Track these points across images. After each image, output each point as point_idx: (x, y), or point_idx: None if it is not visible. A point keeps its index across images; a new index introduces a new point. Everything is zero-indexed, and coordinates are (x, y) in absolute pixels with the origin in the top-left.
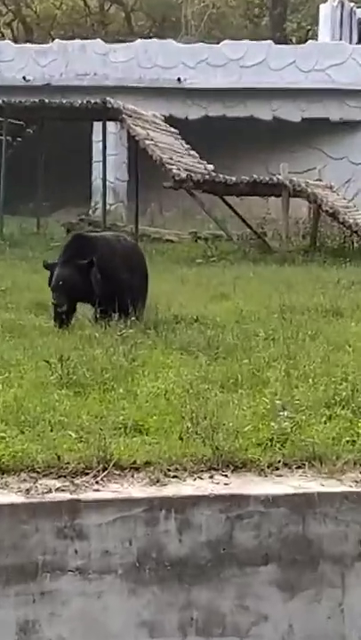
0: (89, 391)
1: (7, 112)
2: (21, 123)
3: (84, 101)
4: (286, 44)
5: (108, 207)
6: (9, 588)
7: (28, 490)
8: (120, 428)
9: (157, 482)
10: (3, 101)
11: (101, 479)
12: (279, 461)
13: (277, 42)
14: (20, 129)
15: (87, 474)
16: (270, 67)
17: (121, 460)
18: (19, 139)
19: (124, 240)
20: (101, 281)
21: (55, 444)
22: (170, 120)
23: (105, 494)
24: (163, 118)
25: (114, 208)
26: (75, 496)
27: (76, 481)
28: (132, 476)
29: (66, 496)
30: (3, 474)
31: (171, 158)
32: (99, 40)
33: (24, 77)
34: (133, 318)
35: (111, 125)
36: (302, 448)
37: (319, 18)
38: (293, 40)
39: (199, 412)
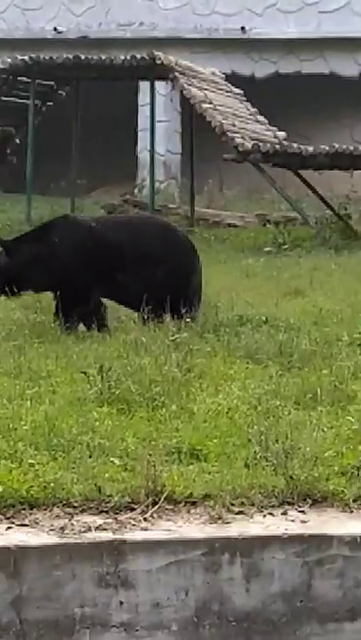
0: (135, 409)
1: (35, 71)
2: (52, 83)
3: (128, 57)
4: None
5: (157, 185)
6: None
7: (62, 528)
8: (173, 454)
9: (219, 519)
10: (30, 58)
11: (151, 515)
12: None
13: None
14: (51, 91)
15: (133, 509)
16: (355, 11)
17: (174, 492)
18: (49, 103)
19: (140, 223)
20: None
21: (95, 472)
22: (232, 78)
23: (155, 534)
24: (223, 77)
25: (164, 186)
26: (119, 536)
27: (121, 518)
28: (189, 512)
29: (108, 536)
30: (32, 509)
31: (233, 125)
32: None
33: (55, 29)
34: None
35: (161, 86)
36: None
37: None
38: None
39: (269, 434)
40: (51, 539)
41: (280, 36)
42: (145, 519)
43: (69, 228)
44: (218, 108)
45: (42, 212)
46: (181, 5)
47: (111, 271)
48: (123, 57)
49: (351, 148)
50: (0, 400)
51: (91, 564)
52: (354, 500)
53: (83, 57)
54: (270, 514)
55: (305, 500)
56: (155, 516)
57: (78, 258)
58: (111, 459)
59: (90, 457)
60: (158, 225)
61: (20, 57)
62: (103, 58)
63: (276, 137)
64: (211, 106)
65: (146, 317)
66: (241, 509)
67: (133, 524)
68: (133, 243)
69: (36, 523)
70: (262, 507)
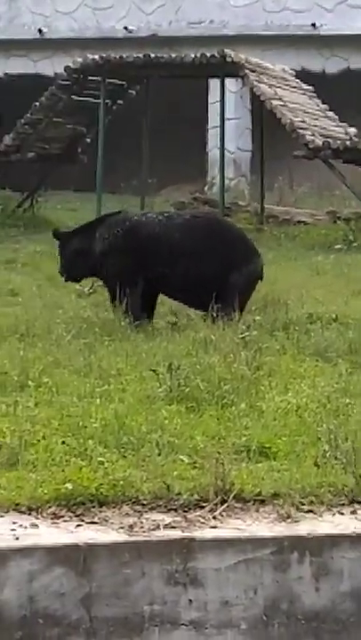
0: (204, 407)
1: (106, 70)
2: (122, 82)
3: (198, 55)
4: None
5: (227, 183)
6: None
7: (131, 526)
8: (242, 452)
9: (288, 517)
10: (100, 57)
11: (220, 514)
12: None
13: None
14: (121, 90)
15: (202, 507)
16: None
17: (243, 490)
18: (119, 102)
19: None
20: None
21: (164, 470)
22: (302, 75)
23: (224, 532)
24: (294, 73)
25: (234, 184)
26: (188, 534)
27: (190, 516)
28: (258, 511)
29: (177, 534)
30: (101, 506)
31: (304, 121)
32: None
33: (125, 28)
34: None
35: (231, 83)
36: None
37: None
38: None
39: (339, 433)
40: (120, 536)
41: (351, 31)
42: (214, 517)
43: (113, 221)
44: (288, 104)
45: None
46: (252, 2)
47: (152, 265)
48: (193, 55)
49: None
50: (70, 398)
51: (160, 561)
52: None
53: (153, 55)
54: (340, 512)
55: None
56: (224, 514)
57: (114, 250)
58: (180, 457)
59: (159, 455)
60: (209, 221)
61: (90, 56)
62: (173, 56)
63: (346, 133)
64: (281, 103)
65: (215, 315)
66: (310, 508)
67: (202, 523)
68: (177, 238)
69: (106, 520)
70: (332, 505)
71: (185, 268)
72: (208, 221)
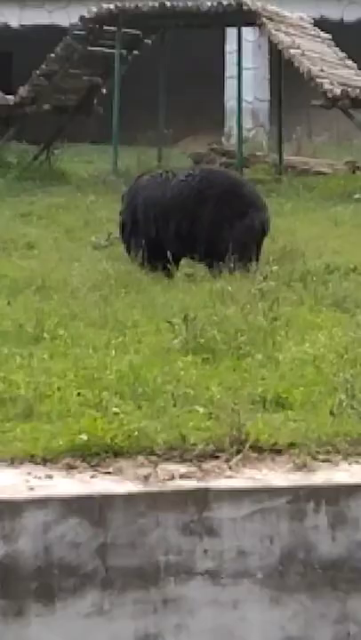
0: (220, 358)
1: (121, 20)
2: (138, 32)
3: (215, 3)
4: None
5: (244, 133)
6: (125, 595)
7: (146, 476)
8: (258, 402)
9: (304, 467)
10: (116, 6)
11: (235, 464)
12: None
13: None
14: (137, 40)
15: (218, 457)
16: None
17: (259, 440)
18: (135, 52)
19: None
20: None
21: (179, 421)
22: (321, 23)
23: (240, 482)
24: (312, 21)
25: (252, 134)
26: (203, 484)
27: (205, 466)
28: (273, 460)
29: (192, 484)
30: (116, 457)
31: (322, 70)
32: None
33: None
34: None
35: (248, 32)
36: None
37: None
38: None
39: (356, 382)
40: (135, 487)
41: None
42: (229, 467)
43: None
44: (306, 53)
45: (129, 163)
46: None
47: (147, 226)
48: (209, 3)
49: None
50: (85, 350)
51: (175, 511)
52: None
53: (169, 4)
54: (356, 462)
55: None
56: (239, 464)
57: (126, 211)
58: (196, 407)
59: (174, 406)
60: (202, 178)
61: (105, 6)
62: (189, 5)
63: None
64: (299, 51)
65: (232, 267)
66: (326, 457)
67: (218, 473)
68: (167, 199)
69: (121, 471)
70: (348, 454)
71: (176, 228)
72: (200, 179)
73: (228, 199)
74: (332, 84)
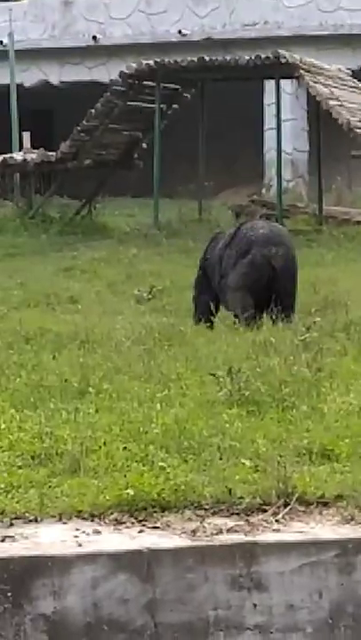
0: (265, 410)
1: (161, 74)
2: (177, 87)
3: (253, 57)
4: None
5: (284, 184)
6: None
7: (194, 531)
8: (304, 455)
9: (352, 520)
10: (155, 62)
11: (283, 517)
12: None
13: None
14: (176, 94)
15: (265, 511)
16: None
17: (306, 493)
18: (175, 106)
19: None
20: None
21: (226, 474)
22: (359, 74)
23: (288, 536)
24: (350, 73)
25: (292, 185)
26: (251, 538)
27: (252, 519)
28: (321, 513)
29: (240, 538)
30: (163, 511)
31: None
32: None
33: (180, 31)
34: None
35: (287, 84)
36: None
37: None
38: None
39: None
40: (183, 541)
41: None
42: (277, 521)
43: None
44: (345, 104)
45: (170, 215)
46: (306, 3)
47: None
48: (247, 57)
49: None
50: (131, 404)
51: (223, 566)
52: None
53: (207, 59)
54: None
55: None
56: (286, 517)
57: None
58: (242, 460)
59: (220, 459)
60: (219, 234)
61: (145, 61)
62: (228, 59)
63: None
64: (337, 102)
65: (275, 317)
66: None
67: (265, 526)
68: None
69: (168, 525)
70: None
71: (218, 278)
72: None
73: (238, 241)
74: None
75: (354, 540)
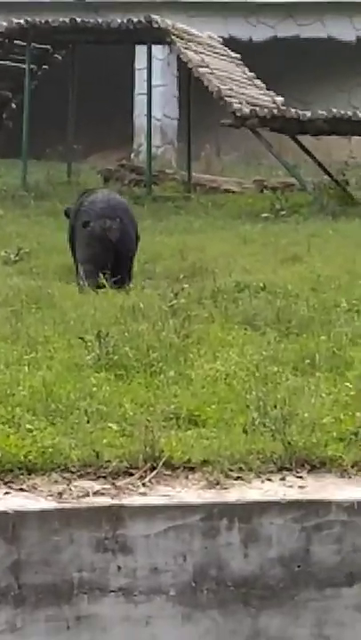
0: (133, 374)
1: (31, 34)
2: (48, 47)
3: (125, 20)
4: None
5: (153, 150)
6: (38, 612)
7: (60, 493)
8: (171, 420)
9: (217, 484)
10: (26, 21)
11: (149, 481)
12: None
13: None
14: (47, 55)
15: (132, 474)
16: None
17: (173, 457)
18: (45, 67)
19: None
20: None
21: (93, 438)
22: (230, 42)
23: (153, 499)
24: (221, 40)
25: (161, 151)
26: (117, 501)
27: (119, 483)
28: (187, 478)
29: (106, 501)
30: (30, 474)
31: (231, 89)
32: None
33: None
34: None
35: (158, 50)
36: None
37: None
38: None
39: (267, 400)
40: (49, 504)
41: None
42: (143, 484)
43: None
44: (215, 72)
45: (38, 177)
46: None
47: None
48: (119, 20)
49: (350, 113)
50: None
51: (89, 529)
52: (352, 466)
53: (79, 20)
54: (268, 479)
55: (303, 465)
56: (153, 481)
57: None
58: (109, 424)
59: (88, 422)
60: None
61: (15, 20)
62: (100, 21)
63: (274, 102)
64: (208, 70)
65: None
66: (239, 475)
67: (132, 490)
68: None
69: (35, 488)
70: (260, 472)
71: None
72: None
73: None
74: (240, 103)
75: (219, 504)
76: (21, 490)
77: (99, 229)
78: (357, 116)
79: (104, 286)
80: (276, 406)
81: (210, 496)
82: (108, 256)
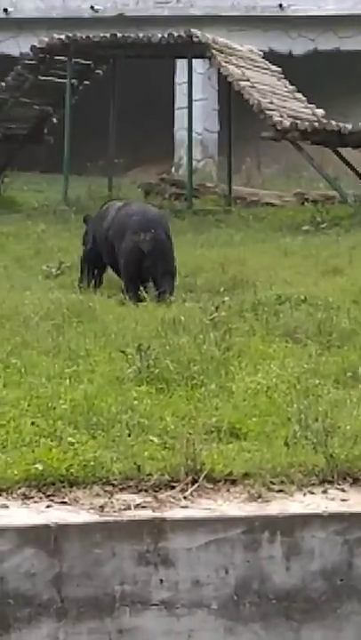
0: (174, 387)
1: (72, 50)
2: (89, 63)
3: (165, 35)
4: None
5: (194, 164)
6: (80, 625)
7: (102, 507)
8: (212, 432)
9: (259, 497)
10: (67, 37)
11: (190, 494)
12: None
13: None
14: (88, 70)
15: (173, 487)
16: None
17: (214, 470)
18: (86, 82)
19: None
20: None
21: (134, 451)
22: (270, 56)
23: (195, 512)
24: (261, 54)
25: (202, 165)
26: (158, 514)
27: (160, 496)
28: (228, 491)
29: (148, 514)
30: (72, 487)
31: (271, 102)
32: None
33: (92, 7)
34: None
35: (198, 64)
36: None
37: None
38: None
39: (309, 413)
40: (91, 517)
41: (318, 12)
42: (185, 497)
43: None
44: (256, 85)
45: (79, 192)
46: None
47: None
48: (160, 35)
49: None
50: (39, 379)
51: (130, 542)
52: None
53: (120, 35)
54: (310, 492)
55: (345, 478)
56: (194, 494)
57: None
58: (150, 437)
59: (129, 435)
60: (108, 207)
61: (57, 36)
62: (140, 36)
63: (314, 115)
64: (248, 83)
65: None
66: (281, 488)
67: (173, 503)
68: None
69: (76, 501)
70: (302, 485)
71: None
72: (108, 207)
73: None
74: (281, 116)
75: (260, 517)
76: (63, 503)
77: (131, 243)
78: None
79: (145, 299)
80: (317, 419)
81: (251, 509)
82: (144, 269)
